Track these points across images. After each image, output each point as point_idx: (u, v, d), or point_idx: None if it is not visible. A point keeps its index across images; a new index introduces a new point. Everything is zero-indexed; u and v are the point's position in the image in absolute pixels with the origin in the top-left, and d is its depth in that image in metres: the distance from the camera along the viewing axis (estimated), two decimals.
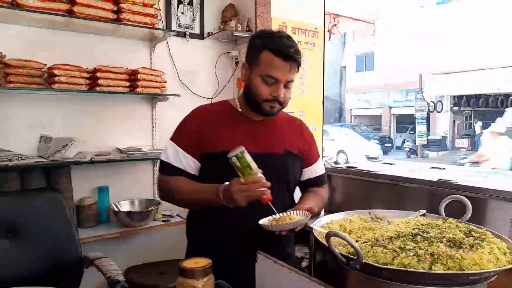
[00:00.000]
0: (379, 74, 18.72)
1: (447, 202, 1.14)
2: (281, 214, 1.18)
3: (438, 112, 16.20)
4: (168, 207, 2.54)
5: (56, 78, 2.01)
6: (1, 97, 2.06)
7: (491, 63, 13.63)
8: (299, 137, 1.39)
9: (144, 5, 2.23)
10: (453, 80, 15.09)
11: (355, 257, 0.80)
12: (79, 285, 1.61)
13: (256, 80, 1.22)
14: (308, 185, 1.43)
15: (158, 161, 2.47)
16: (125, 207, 2.36)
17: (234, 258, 1.24)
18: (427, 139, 15.46)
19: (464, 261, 0.78)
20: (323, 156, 2.53)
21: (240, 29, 2.56)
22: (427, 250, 0.81)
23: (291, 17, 2.70)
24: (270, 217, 1.16)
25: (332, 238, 0.84)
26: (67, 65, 2.06)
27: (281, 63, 1.18)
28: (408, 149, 15.82)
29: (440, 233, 0.93)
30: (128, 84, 2.27)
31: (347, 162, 11.70)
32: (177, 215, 2.49)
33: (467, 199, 1.10)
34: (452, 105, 16.43)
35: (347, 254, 0.83)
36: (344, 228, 1.06)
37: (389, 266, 0.78)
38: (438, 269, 0.77)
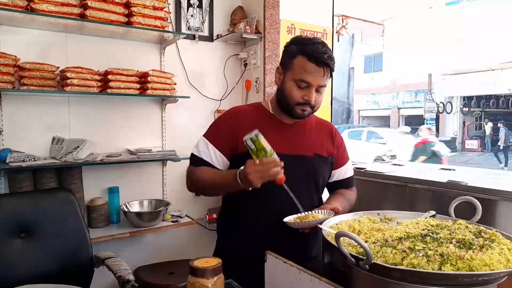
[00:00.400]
0: (387, 75, 18.61)
1: (457, 203, 1.14)
2: (306, 213, 1.21)
3: (448, 113, 16.04)
4: (177, 208, 2.56)
5: (69, 81, 2.04)
6: (15, 99, 2.10)
7: (501, 64, 13.46)
8: (329, 141, 1.42)
9: (155, 8, 2.25)
10: (463, 80, 14.95)
11: (364, 258, 0.80)
12: (90, 284, 1.64)
13: (289, 84, 1.26)
14: (337, 187, 1.46)
15: (168, 161, 2.52)
16: (135, 207, 2.39)
17: (258, 258, 1.26)
18: None
19: (473, 262, 0.78)
20: None
21: (249, 31, 2.58)
22: (437, 251, 0.81)
23: (299, 19, 2.71)
24: (295, 215, 1.21)
25: (341, 239, 0.84)
26: (79, 67, 2.09)
27: (314, 68, 1.22)
28: None
29: (450, 234, 0.93)
30: (138, 86, 2.30)
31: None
32: (186, 215, 2.51)
33: (477, 200, 1.10)
34: (462, 106, 16.26)
35: (356, 255, 0.83)
36: (353, 229, 1.07)
37: (398, 267, 0.79)
38: (447, 269, 0.77)
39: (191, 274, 0.85)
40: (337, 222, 1.12)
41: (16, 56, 1.99)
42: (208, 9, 2.69)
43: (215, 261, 0.86)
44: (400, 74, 17.45)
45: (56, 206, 1.67)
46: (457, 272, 0.76)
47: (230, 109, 1.44)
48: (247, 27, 2.59)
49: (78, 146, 2.08)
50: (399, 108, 19.12)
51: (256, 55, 2.65)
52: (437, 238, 0.89)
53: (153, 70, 2.33)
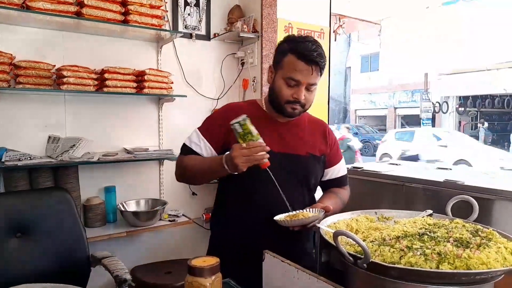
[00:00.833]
0: (384, 75, 18.66)
1: (454, 202, 1.14)
2: (296, 211, 1.22)
3: (444, 112, 16.10)
4: (174, 207, 2.55)
5: (65, 79, 2.03)
6: (11, 98, 2.08)
7: (497, 64, 13.54)
8: (323, 140, 1.42)
9: (151, 6, 2.24)
10: (459, 80, 15.01)
11: (362, 256, 0.80)
12: (86, 283, 1.63)
13: (279, 82, 1.27)
14: (330, 185, 1.47)
15: (165, 160, 2.51)
16: (131, 207, 2.38)
17: (250, 255, 1.26)
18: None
19: (471, 261, 0.78)
20: None
21: (246, 30, 2.57)
22: (434, 250, 0.82)
23: (297, 18, 2.71)
24: (285, 214, 1.22)
25: (339, 238, 0.84)
26: (76, 66, 2.08)
27: (303, 66, 1.22)
28: None
29: (447, 233, 0.93)
30: (135, 85, 2.29)
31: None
32: (183, 215, 2.51)
33: (474, 200, 1.10)
34: (457, 106, 16.33)
35: (354, 253, 0.84)
36: (351, 228, 1.07)
37: (396, 265, 0.79)
38: (445, 268, 0.77)
39: (189, 273, 0.85)
40: (335, 221, 1.12)
41: (11, 54, 1.97)
42: (205, 7, 2.68)
43: (213, 260, 0.86)
44: (397, 73, 17.50)
45: (52, 206, 1.66)
46: (455, 271, 0.77)
47: (226, 104, 1.46)
48: (244, 26, 2.59)
49: (74, 145, 2.07)
50: (395, 108, 19.18)
51: (253, 54, 2.64)
52: (434, 237, 0.90)
53: (150, 69, 2.32)
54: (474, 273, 0.76)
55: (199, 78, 2.69)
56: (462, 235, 0.91)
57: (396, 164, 2.24)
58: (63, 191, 1.76)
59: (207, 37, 2.70)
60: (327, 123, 2.96)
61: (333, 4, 2.98)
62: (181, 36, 2.50)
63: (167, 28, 2.48)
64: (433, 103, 15.43)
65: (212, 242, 1.46)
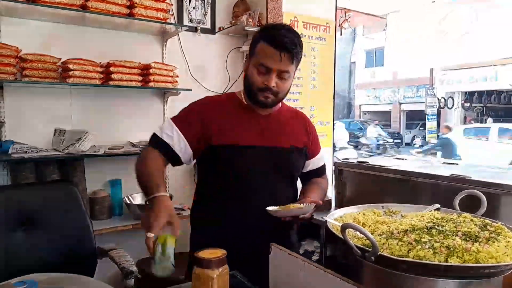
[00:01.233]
0: (389, 70, 18.53)
1: (461, 196, 1.13)
2: (288, 205, 1.22)
3: (449, 108, 16.00)
4: (179, 201, 2.56)
5: (71, 72, 2.04)
6: (17, 91, 2.09)
7: (503, 59, 13.42)
8: (303, 131, 1.41)
9: (156, 0, 2.24)
10: (464, 75, 14.90)
11: (370, 249, 0.80)
12: (93, 275, 1.64)
13: (251, 69, 1.24)
14: (310, 176, 1.46)
15: None
16: (137, 199, 2.39)
17: (241, 250, 1.25)
18: (437, 135, 15.30)
19: (480, 254, 0.77)
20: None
21: (251, 24, 2.56)
22: (443, 243, 0.81)
23: (302, 11, 2.69)
24: (276, 207, 1.21)
25: (347, 231, 0.84)
26: (81, 59, 2.08)
27: (273, 52, 1.19)
28: (418, 146, 15.64)
29: (455, 227, 0.92)
30: (140, 78, 2.29)
31: None
32: (189, 208, 2.51)
33: (482, 194, 1.10)
34: (463, 101, 16.22)
35: (362, 246, 0.83)
36: (358, 221, 1.06)
37: (405, 258, 0.79)
38: (454, 261, 0.77)
39: (196, 265, 0.86)
40: (341, 215, 1.12)
41: (18, 48, 1.97)
42: (210, 1, 2.67)
43: (220, 253, 0.86)
44: (402, 68, 17.37)
45: (59, 198, 1.67)
46: (464, 264, 0.76)
47: (203, 98, 1.40)
48: (250, 20, 2.57)
49: (80, 138, 2.08)
50: (400, 103, 19.08)
51: None
52: (442, 230, 0.89)
53: (155, 62, 2.31)
54: (483, 266, 0.76)
55: (204, 72, 2.69)
56: (471, 229, 0.90)
57: (402, 159, 2.24)
58: (70, 184, 1.77)
59: (212, 30, 2.70)
60: (333, 117, 2.97)
61: None
62: (186, 30, 2.49)
63: (172, 21, 2.47)
64: (438, 99, 15.32)
65: (196, 239, 1.37)
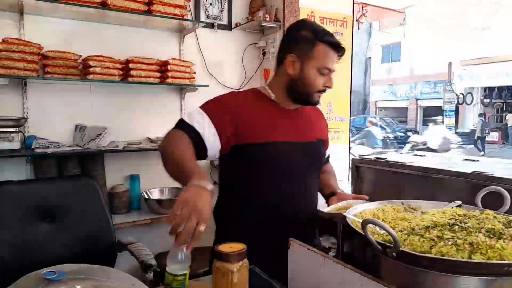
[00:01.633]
0: (406, 66, 18.23)
1: (484, 193, 1.11)
2: (340, 204, 1.25)
3: (468, 104, 15.65)
4: None
5: (91, 69, 2.07)
6: (40, 88, 2.14)
7: None
8: (322, 124, 1.46)
9: None
10: (484, 71, 14.53)
11: (391, 245, 0.80)
12: (113, 267, 1.68)
13: (311, 71, 1.25)
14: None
15: None
16: (155, 194, 2.43)
17: (265, 245, 1.25)
18: (455, 132, 14.99)
19: (505, 251, 0.76)
20: None
21: (268, 19, 2.56)
22: (466, 240, 0.80)
23: (319, 6, 2.67)
24: (333, 206, 1.25)
25: (367, 227, 0.84)
26: (101, 56, 2.12)
27: (334, 55, 1.25)
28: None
29: (478, 224, 0.91)
30: (158, 75, 2.32)
31: None
32: None
33: (505, 191, 1.07)
34: (482, 97, 15.84)
35: (383, 242, 0.83)
36: (377, 218, 1.05)
37: (427, 255, 0.78)
38: (477, 258, 0.76)
39: (217, 259, 0.87)
40: (361, 211, 1.11)
41: (40, 45, 2.02)
42: None
43: (240, 246, 0.87)
44: (419, 64, 17.05)
45: (80, 193, 1.71)
46: (488, 261, 0.75)
47: (231, 91, 1.36)
48: (266, 15, 2.57)
49: (100, 134, 2.12)
50: (417, 99, 18.74)
51: (275, 43, 2.63)
52: (465, 227, 0.88)
53: (173, 58, 2.34)
54: (509, 264, 0.74)
55: (221, 68, 2.70)
56: (494, 226, 0.89)
57: (421, 155, 2.20)
58: (91, 178, 1.81)
59: (228, 26, 2.70)
60: (349, 113, 2.94)
61: None
62: (203, 26, 2.50)
63: (190, 18, 2.49)
64: (456, 94, 15.00)
65: (222, 235, 1.36)
